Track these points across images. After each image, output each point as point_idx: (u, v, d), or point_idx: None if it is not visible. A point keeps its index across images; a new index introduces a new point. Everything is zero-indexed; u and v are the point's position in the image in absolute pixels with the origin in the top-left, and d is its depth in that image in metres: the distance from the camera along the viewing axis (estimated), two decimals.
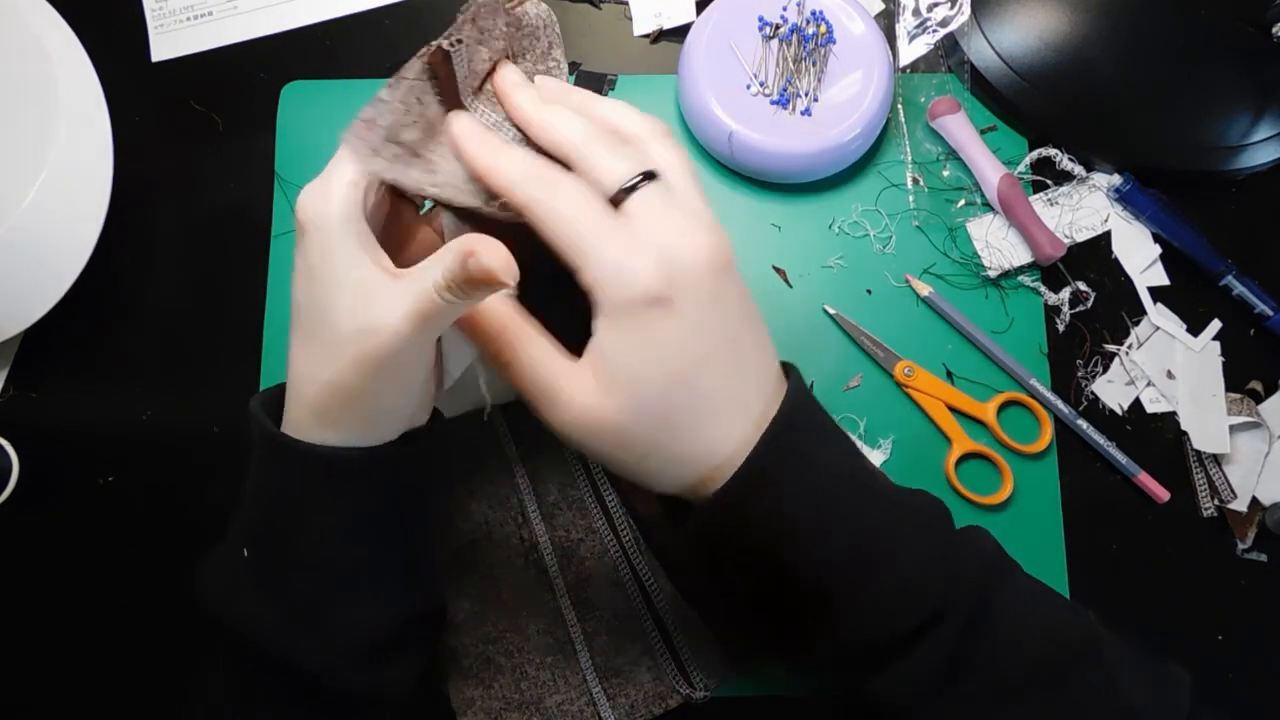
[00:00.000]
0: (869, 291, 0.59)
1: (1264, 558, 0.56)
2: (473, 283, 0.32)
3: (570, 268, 0.35)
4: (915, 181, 0.60)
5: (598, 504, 0.54)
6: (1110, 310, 0.59)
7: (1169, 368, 0.58)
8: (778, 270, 0.59)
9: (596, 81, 0.61)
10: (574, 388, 0.36)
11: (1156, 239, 0.60)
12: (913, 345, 0.57)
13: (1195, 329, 0.59)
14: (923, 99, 0.61)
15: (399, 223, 0.40)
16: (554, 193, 0.35)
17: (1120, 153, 0.60)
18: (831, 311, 0.58)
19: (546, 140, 0.37)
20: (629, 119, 0.38)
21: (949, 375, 0.58)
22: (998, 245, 0.58)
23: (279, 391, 0.40)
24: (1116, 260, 0.60)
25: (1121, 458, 0.56)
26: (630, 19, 0.63)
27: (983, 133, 0.60)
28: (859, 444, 0.56)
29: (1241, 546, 0.56)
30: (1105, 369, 0.58)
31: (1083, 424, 0.56)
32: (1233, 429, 0.56)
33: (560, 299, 0.37)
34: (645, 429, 0.36)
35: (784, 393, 0.38)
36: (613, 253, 0.34)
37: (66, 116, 0.52)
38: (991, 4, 0.61)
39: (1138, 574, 0.56)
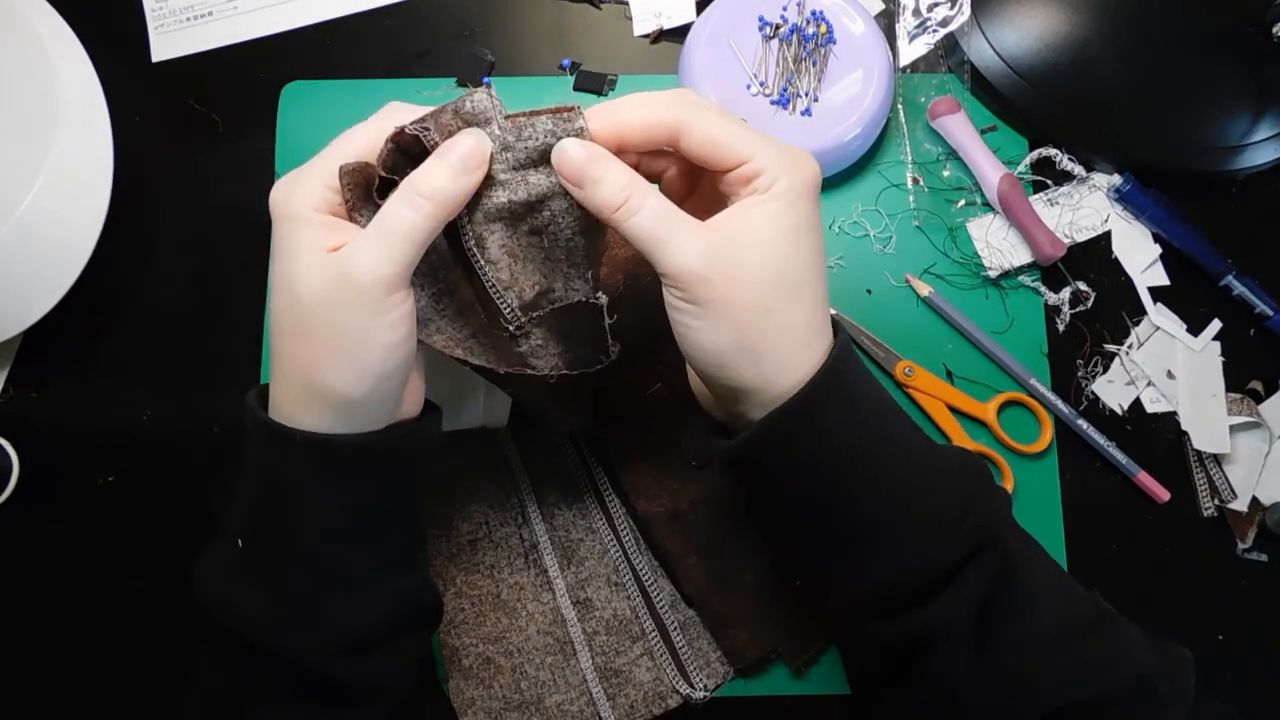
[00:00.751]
0: (869, 291, 0.59)
1: (1264, 558, 0.56)
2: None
3: (729, 164, 0.37)
4: (915, 181, 0.60)
5: (598, 504, 0.54)
6: (1110, 310, 0.59)
7: (1169, 368, 0.58)
8: None
9: (596, 81, 0.61)
10: (699, 238, 0.36)
11: (1156, 239, 0.60)
12: (913, 345, 0.57)
13: (1195, 329, 0.59)
14: (923, 99, 0.61)
15: None
16: (705, 105, 0.38)
17: (1120, 153, 0.60)
18: (831, 311, 0.58)
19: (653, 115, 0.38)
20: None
21: (949, 375, 0.58)
22: (998, 245, 0.58)
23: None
24: (1116, 260, 0.60)
25: (1121, 458, 0.56)
26: (630, 19, 0.63)
27: (983, 133, 0.60)
28: None
29: (1241, 546, 0.56)
30: (1105, 369, 0.58)
31: (1083, 424, 0.56)
32: (1233, 429, 0.56)
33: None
34: (774, 287, 0.37)
35: (837, 333, 0.40)
36: (779, 147, 0.37)
37: (66, 117, 0.52)
38: (991, 4, 0.61)
39: (1138, 574, 0.56)
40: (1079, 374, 0.58)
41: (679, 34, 0.62)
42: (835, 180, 0.60)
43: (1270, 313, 0.57)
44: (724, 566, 0.53)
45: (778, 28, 0.58)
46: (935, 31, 0.60)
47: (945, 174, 0.60)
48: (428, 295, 0.41)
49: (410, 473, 0.41)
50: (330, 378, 0.36)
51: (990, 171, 0.58)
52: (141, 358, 0.58)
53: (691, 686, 0.52)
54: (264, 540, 0.39)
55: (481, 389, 0.49)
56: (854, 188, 0.60)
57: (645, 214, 0.36)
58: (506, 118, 0.37)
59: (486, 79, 0.38)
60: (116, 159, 0.55)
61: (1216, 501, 0.56)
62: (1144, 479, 0.56)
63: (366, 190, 0.38)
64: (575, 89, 0.61)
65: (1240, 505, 0.56)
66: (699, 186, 0.42)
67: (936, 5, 0.60)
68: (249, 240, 0.59)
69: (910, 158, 0.61)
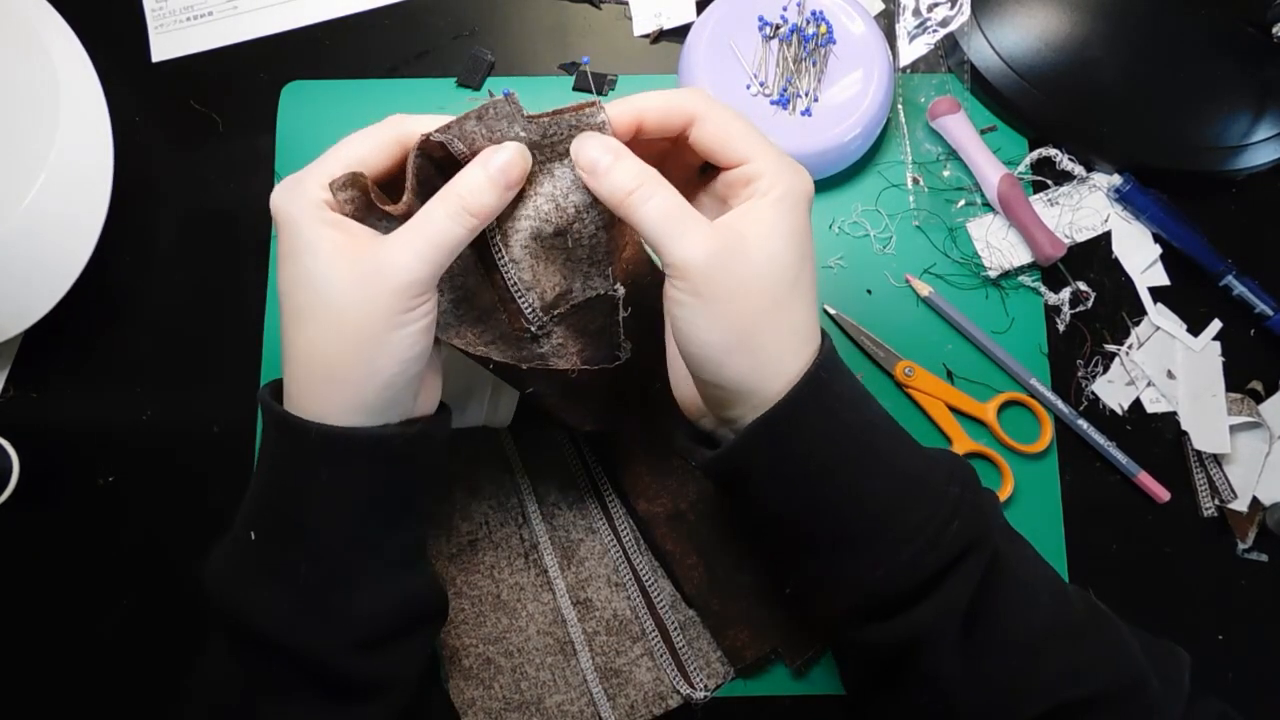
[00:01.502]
0: (869, 291, 0.59)
1: (1264, 558, 0.56)
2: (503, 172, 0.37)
3: (735, 160, 0.38)
4: (915, 181, 0.60)
5: (598, 504, 0.54)
6: (1110, 310, 0.59)
7: (1169, 368, 0.58)
8: None
9: (597, 81, 0.61)
10: (706, 232, 0.37)
11: (1156, 239, 0.60)
12: (913, 345, 0.57)
13: (1195, 329, 0.59)
14: (923, 99, 0.61)
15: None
16: (720, 105, 0.39)
17: (1120, 153, 0.60)
18: (831, 311, 0.58)
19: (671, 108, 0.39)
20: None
21: (949, 375, 0.58)
22: (998, 245, 0.58)
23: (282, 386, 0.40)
24: (1116, 260, 0.60)
25: (1122, 458, 0.56)
26: (630, 19, 0.63)
27: (983, 133, 0.60)
28: None
29: (1241, 546, 0.56)
30: (1105, 369, 0.58)
31: (1083, 424, 0.56)
32: (1233, 429, 0.56)
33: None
34: (776, 285, 0.37)
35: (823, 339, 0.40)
36: (781, 154, 0.39)
37: (66, 116, 0.52)
38: (991, 4, 0.61)
39: (1138, 574, 0.56)
40: (1079, 374, 0.58)
41: (679, 34, 0.62)
42: (835, 180, 0.60)
43: (1270, 313, 0.58)
44: (724, 566, 0.53)
45: (778, 28, 0.58)
46: (935, 31, 0.60)
47: (945, 174, 0.60)
48: (448, 300, 0.41)
49: (423, 470, 0.42)
50: (351, 374, 0.37)
51: (990, 171, 0.58)
52: (141, 358, 0.58)
53: (692, 686, 0.52)
54: (277, 533, 0.39)
55: (488, 389, 0.49)
56: (854, 188, 0.60)
57: (656, 203, 0.37)
58: (530, 119, 0.38)
59: (507, 90, 0.38)
60: (116, 159, 0.55)
61: (1216, 501, 0.56)
62: (1144, 479, 0.56)
63: (366, 199, 0.38)
64: (575, 89, 0.61)
65: (1240, 505, 0.56)
66: (697, 195, 0.43)
67: (936, 5, 0.60)
68: (249, 240, 0.59)
69: (910, 158, 0.61)
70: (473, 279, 0.42)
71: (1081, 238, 0.59)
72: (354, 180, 0.37)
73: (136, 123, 0.61)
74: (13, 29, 0.53)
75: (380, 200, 0.38)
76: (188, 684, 0.43)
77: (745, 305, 0.37)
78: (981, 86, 0.61)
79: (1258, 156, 0.59)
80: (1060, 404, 0.56)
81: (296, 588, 0.38)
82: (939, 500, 0.38)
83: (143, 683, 0.54)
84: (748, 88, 0.58)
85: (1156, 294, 0.59)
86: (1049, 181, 0.60)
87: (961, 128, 0.59)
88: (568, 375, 0.43)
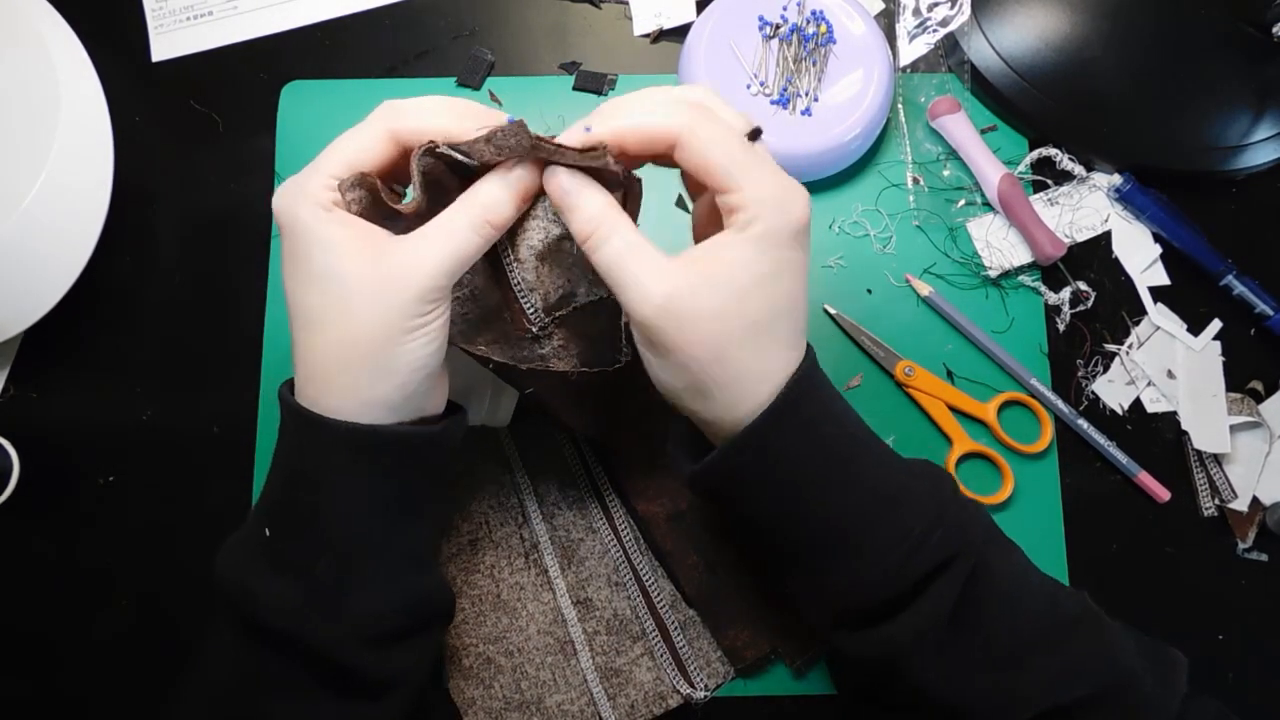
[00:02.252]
0: (869, 291, 0.59)
1: (1264, 557, 0.56)
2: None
3: (718, 188, 0.37)
4: (915, 181, 0.60)
5: (598, 504, 0.54)
6: (1110, 310, 0.59)
7: (1169, 367, 0.58)
8: None
9: (597, 81, 0.61)
10: (657, 283, 0.36)
11: (1156, 239, 0.60)
12: (913, 345, 0.57)
13: (1195, 329, 0.59)
14: (923, 99, 0.61)
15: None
16: (709, 120, 0.37)
17: (1120, 153, 0.60)
18: (831, 311, 0.58)
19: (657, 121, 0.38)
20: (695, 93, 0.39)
21: (949, 375, 0.58)
22: (998, 245, 0.58)
23: None
24: (1117, 260, 0.60)
25: (1122, 457, 0.56)
26: (630, 19, 0.63)
27: (983, 133, 0.60)
28: None
29: (1242, 546, 0.56)
30: (1105, 369, 0.58)
31: (1083, 424, 0.56)
32: (1233, 429, 0.56)
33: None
34: (727, 337, 0.36)
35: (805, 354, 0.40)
36: (770, 182, 0.37)
37: (66, 116, 0.52)
38: (991, 4, 0.61)
39: (1138, 574, 0.56)
40: (1079, 374, 0.58)
41: (679, 34, 0.62)
42: (835, 180, 0.60)
43: (1270, 313, 0.57)
44: (724, 566, 0.53)
45: (778, 27, 0.58)
46: (935, 31, 0.60)
47: (945, 174, 0.60)
48: (454, 300, 0.42)
49: (435, 469, 0.42)
50: (367, 375, 0.37)
51: (990, 171, 0.58)
52: (141, 358, 0.58)
53: (692, 686, 0.52)
54: (293, 527, 0.39)
55: (488, 389, 0.50)
56: (854, 188, 0.60)
57: (608, 250, 0.37)
58: (536, 148, 0.37)
59: (511, 118, 0.38)
60: (116, 159, 0.55)
61: (1217, 501, 0.56)
62: (1144, 479, 0.56)
63: (374, 199, 0.38)
64: (575, 89, 0.61)
65: (1240, 505, 0.56)
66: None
67: (936, 5, 0.60)
68: (249, 240, 0.59)
69: (910, 158, 0.61)
70: (480, 279, 0.43)
71: (1081, 238, 0.59)
72: (361, 180, 0.38)
73: (136, 123, 0.61)
74: (13, 29, 0.53)
75: (390, 199, 0.38)
76: (181, 680, 0.43)
77: (695, 354, 0.36)
78: (981, 86, 0.61)
79: (1258, 156, 0.59)
80: (1060, 404, 0.56)
81: (310, 582, 0.38)
82: (917, 515, 0.38)
83: (143, 682, 0.54)
84: (748, 87, 0.58)
85: (1156, 294, 0.59)
86: (1049, 181, 0.60)
87: (961, 128, 0.59)
88: (567, 377, 0.43)
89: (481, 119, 0.38)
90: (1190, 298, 0.59)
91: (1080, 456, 0.57)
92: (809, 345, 0.40)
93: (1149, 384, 0.58)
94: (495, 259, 0.42)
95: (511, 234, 0.41)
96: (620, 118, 0.38)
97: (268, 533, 0.39)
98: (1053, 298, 0.58)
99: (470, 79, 0.61)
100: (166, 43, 0.63)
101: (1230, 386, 0.58)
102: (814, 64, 0.58)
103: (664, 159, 0.39)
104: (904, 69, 0.60)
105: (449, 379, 0.44)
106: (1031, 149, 0.60)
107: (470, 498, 0.54)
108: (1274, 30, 0.59)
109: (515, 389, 0.45)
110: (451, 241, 0.37)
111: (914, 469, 0.41)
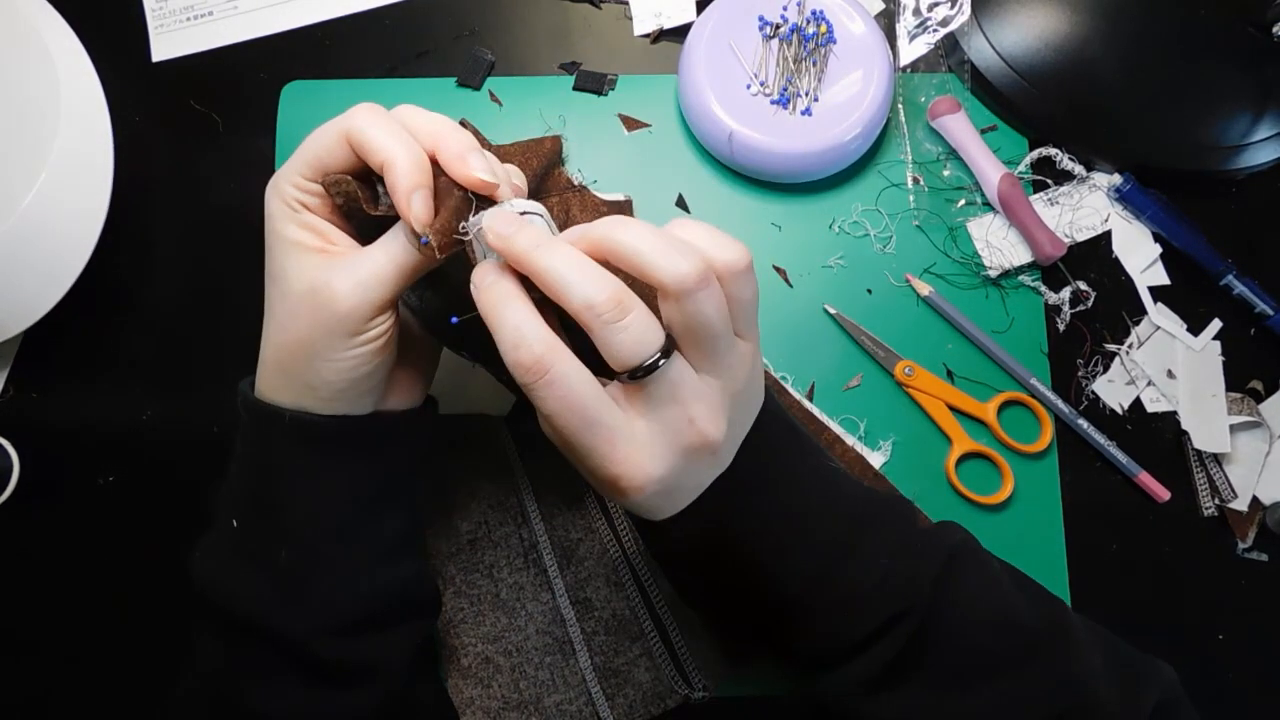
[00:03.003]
0: (869, 291, 0.59)
1: (1264, 557, 0.56)
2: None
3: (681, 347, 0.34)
4: (915, 181, 0.60)
5: (598, 504, 0.54)
6: (1110, 310, 0.59)
7: (1169, 367, 0.58)
8: (778, 270, 0.59)
9: (597, 81, 0.61)
10: (620, 447, 0.34)
11: (1156, 239, 0.60)
12: (913, 345, 0.57)
13: (1195, 329, 0.58)
14: (923, 99, 0.61)
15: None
16: (628, 234, 0.33)
17: (1120, 153, 0.60)
18: (831, 311, 0.58)
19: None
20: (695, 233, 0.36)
21: (949, 375, 0.58)
22: (998, 245, 0.58)
23: None
24: (1117, 260, 0.60)
25: (1122, 457, 0.56)
26: (630, 19, 0.63)
27: (983, 132, 0.60)
28: (857, 445, 0.56)
29: (1242, 546, 0.56)
30: (1105, 369, 0.58)
31: (1083, 424, 0.56)
32: (1233, 428, 0.56)
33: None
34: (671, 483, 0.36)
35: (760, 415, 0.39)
36: (733, 379, 0.35)
37: (66, 116, 0.52)
38: (991, 4, 0.61)
39: (1138, 574, 0.56)
40: (1079, 374, 0.58)
41: (679, 34, 0.62)
42: (835, 180, 0.60)
43: (1270, 313, 0.57)
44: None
45: (778, 27, 0.58)
46: (935, 31, 0.60)
47: (945, 174, 0.60)
48: (441, 296, 0.41)
49: (400, 462, 0.42)
50: (295, 378, 0.38)
51: (990, 171, 0.58)
52: (141, 358, 0.58)
53: (690, 686, 0.52)
54: (255, 518, 0.40)
55: (487, 374, 0.49)
56: (854, 188, 0.60)
57: (550, 394, 0.33)
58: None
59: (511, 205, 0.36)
60: (116, 159, 0.55)
61: (1216, 501, 0.56)
62: (1144, 479, 0.56)
63: (355, 199, 0.38)
64: (575, 89, 0.61)
65: (1240, 505, 0.56)
66: None
67: (936, 5, 0.60)
68: (249, 240, 0.58)
69: (910, 157, 0.61)
70: (468, 274, 0.42)
71: (1081, 237, 0.59)
72: (339, 182, 0.37)
73: (136, 123, 0.61)
74: (13, 29, 0.53)
75: (365, 201, 0.38)
76: (180, 679, 0.43)
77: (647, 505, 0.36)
78: (981, 86, 0.61)
79: (1258, 156, 0.59)
80: (1060, 404, 0.56)
81: (276, 572, 0.39)
82: (866, 572, 0.38)
83: (142, 682, 0.54)
84: (748, 88, 0.58)
85: (1156, 293, 0.59)
86: (1049, 181, 0.60)
87: (961, 127, 0.59)
88: None
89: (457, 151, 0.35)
90: (1190, 298, 0.59)
91: (1080, 456, 0.57)
92: (768, 392, 0.40)
93: (1149, 384, 0.58)
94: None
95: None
96: (616, 237, 0.33)
97: (235, 524, 0.40)
98: (1053, 298, 0.58)
99: (470, 79, 0.61)
100: (166, 43, 0.63)
101: (1230, 386, 0.58)
102: (814, 64, 0.58)
103: None
104: (904, 69, 0.60)
105: (449, 367, 0.44)
106: (1031, 149, 0.60)
107: (470, 497, 0.54)
108: (1274, 30, 0.59)
109: (510, 391, 0.45)
110: (386, 258, 0.35)
111: (871, 510, 0.40)
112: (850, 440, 0.56)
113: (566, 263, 0.32)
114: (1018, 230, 0.58)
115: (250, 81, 0.62)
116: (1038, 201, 0.59)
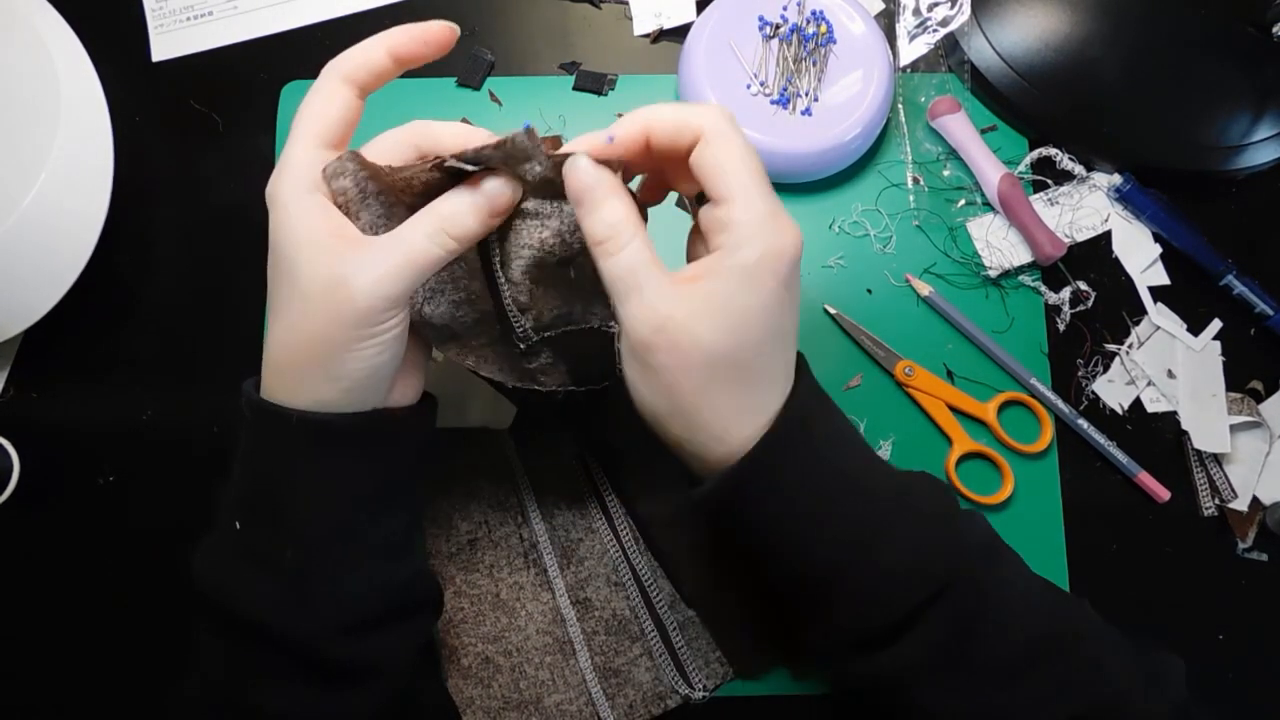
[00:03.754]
0: (869, 291, 0.59)
1: (1264, 557, 0.56)
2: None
3: (720, 196, 0.36)
4: (915, 181, 0.60)
5: (598, 504, 0.54)
6: (1110, 310, 0.59)
7: (1169, 367, 0.58)
8: None
9: (597, 81, 0.61)
10: (656, 306, 0.36)
11: (1157, 239, 0.60)
12: (913, 345, 0.57)
13: (1195, 329, 0.58)
14: (923, 99, 0.61)
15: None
16: (736, 128, 0.37)
17: (1120, 153, 0.60)
18: (831, 311, 0.58)
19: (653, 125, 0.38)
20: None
21: (949, 375, 0.58)
22: (998, 245, 0.58)
23: None
24: (1117, 260, 0.60)
25: (1122, 457, 0.56)
26: (630, 19, 0.63)
27: (983, 132, 0.60)
28: None
29: (1242, 546, 0.56)
30: (1105, 369, 0.58)
31: (1083, 424, 0.56)
32: (1233, 428, 0.56)
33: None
34: (718, 366, 0.36)
35: (795, 383, 0.39)
36: (768, 209, 0.36)
37: (66, 116, 0.52)
38: (991, 4, 0.61)
39: (1138, 574, 0.56)
40: (1079, 374, 0.58)
41: (679, 34, 0.62)
42: (835, 180, 0.60)
43: (1270, 313, 0.57)
44: (723, 567, 0.52)
45: (778, 27, 0.58)
46: (935, 31, 0.60)
47: (945, 174, 0.60)
48: (447, 301, 0.41)
49: (401, 460, 0.42)
50: (311, 373, 0.37)
51: (990, 171, 0.58)
52: (141, 358, 0.58)
53: (691, 687, 0.52)
54: (258, 519, 0.40)
55: (490, 390, 0.50)
56: (854, 188, 0.60)
57: (620, 260, 0.36)
58: (547, 155, 0.37)
59: (527, 123, 0.38)
60: (116, 159, 0.55)
61: (1216, 501, 0.56)
62: (1144, 479, 0.56)
63: (361, 190, 0.38)
64: (575, 89, 0.61)
65: (1240, 505, 0.56)
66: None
67: (936, 5, 0.60)
68: (249, 240, 0.59)
69: (910, 158, 0.61)
70: (476, 284, 0.42)
71: (1081, 237, 0.59)
72: (346, 169, 0.37)
73: (136, 123, 0.61)
74: (13, 29, 0.53)
75: (386, 173, 0.38)
76: (182, 681, 0.43)
77: (684, 382, 0.36)
78: (981, 86, 0.61)
79: (1258, 156, 0.59)
80: (1060, 404, 0.56)
81: (278, 572, 0.39)
82: (916, 541, 0.38)
83: (142, 682, 0.54)
84: (748, 87, 0.58)
85: (1156, 294, 0.59)
86: (1049, 181, 0.60)
87: (961, 127, 0.59)
88: (554, 396, 0.43)
89: (413, 31, 0.39)
90: (1190, 298, 0.59)
91: (1080, 456, 0.57)
92: (804, 364, 0.40)
93: (1149, 384, 0.58)
94: (491, 275, 0.41)
95: (506, 255, 0.40)
96: (649, 112, 0.38)
97: (238, 525, 0.40)
98: (1053, 298, 0.58)
99: (470, 79, 0.61)
100: (166, 43, 0.63)
101: (1230, 386, 0.58)
102: (814, 64, 0.58)
103: (667, 175, 0.39)
104: (904, 69, 0.60)
105: (449, 381, 0.44)
106: (1031, 149, 0.60)
107: (470, 497, 0.54)
108: (1274, 30, 0.59)
109: (503, 393, 0.45)
110: (405, 253, 0.36)
111: (913, 487, 0.41)
112: None
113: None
114: (1018, 230, 0.58)
115: (250, 81, 0.62)
116: (1038, 201, 0.59)
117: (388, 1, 0.63)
